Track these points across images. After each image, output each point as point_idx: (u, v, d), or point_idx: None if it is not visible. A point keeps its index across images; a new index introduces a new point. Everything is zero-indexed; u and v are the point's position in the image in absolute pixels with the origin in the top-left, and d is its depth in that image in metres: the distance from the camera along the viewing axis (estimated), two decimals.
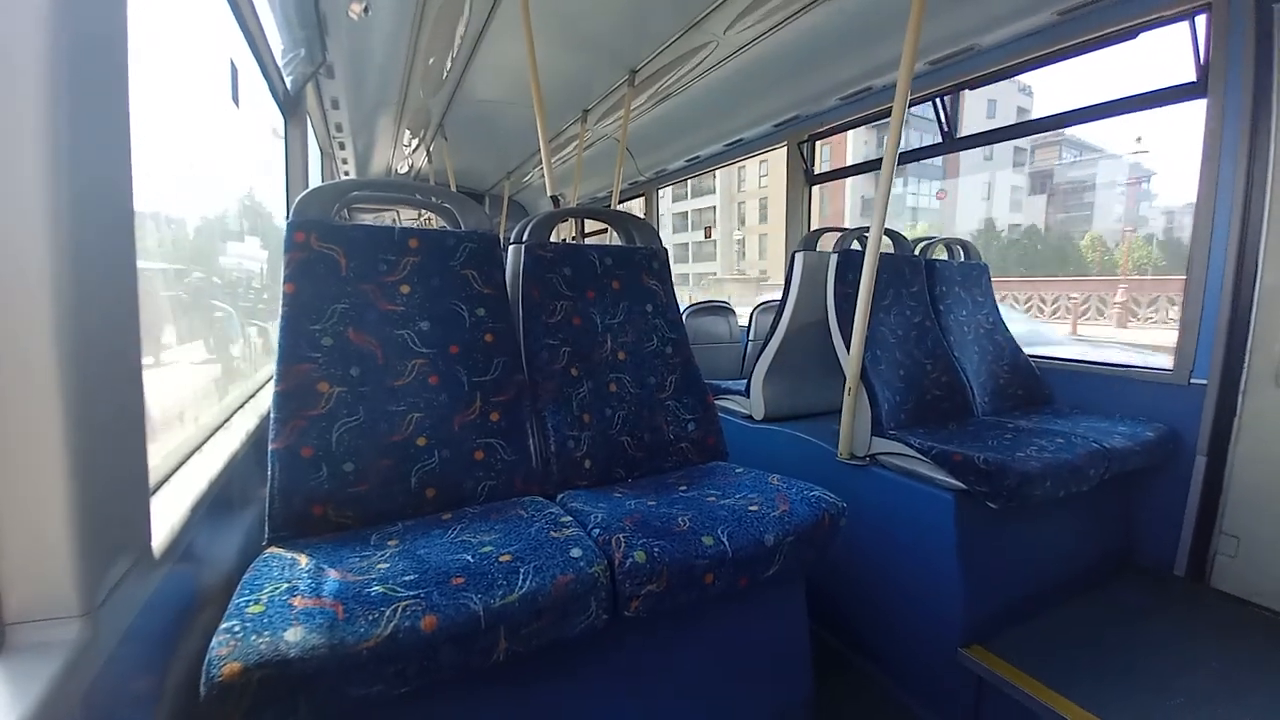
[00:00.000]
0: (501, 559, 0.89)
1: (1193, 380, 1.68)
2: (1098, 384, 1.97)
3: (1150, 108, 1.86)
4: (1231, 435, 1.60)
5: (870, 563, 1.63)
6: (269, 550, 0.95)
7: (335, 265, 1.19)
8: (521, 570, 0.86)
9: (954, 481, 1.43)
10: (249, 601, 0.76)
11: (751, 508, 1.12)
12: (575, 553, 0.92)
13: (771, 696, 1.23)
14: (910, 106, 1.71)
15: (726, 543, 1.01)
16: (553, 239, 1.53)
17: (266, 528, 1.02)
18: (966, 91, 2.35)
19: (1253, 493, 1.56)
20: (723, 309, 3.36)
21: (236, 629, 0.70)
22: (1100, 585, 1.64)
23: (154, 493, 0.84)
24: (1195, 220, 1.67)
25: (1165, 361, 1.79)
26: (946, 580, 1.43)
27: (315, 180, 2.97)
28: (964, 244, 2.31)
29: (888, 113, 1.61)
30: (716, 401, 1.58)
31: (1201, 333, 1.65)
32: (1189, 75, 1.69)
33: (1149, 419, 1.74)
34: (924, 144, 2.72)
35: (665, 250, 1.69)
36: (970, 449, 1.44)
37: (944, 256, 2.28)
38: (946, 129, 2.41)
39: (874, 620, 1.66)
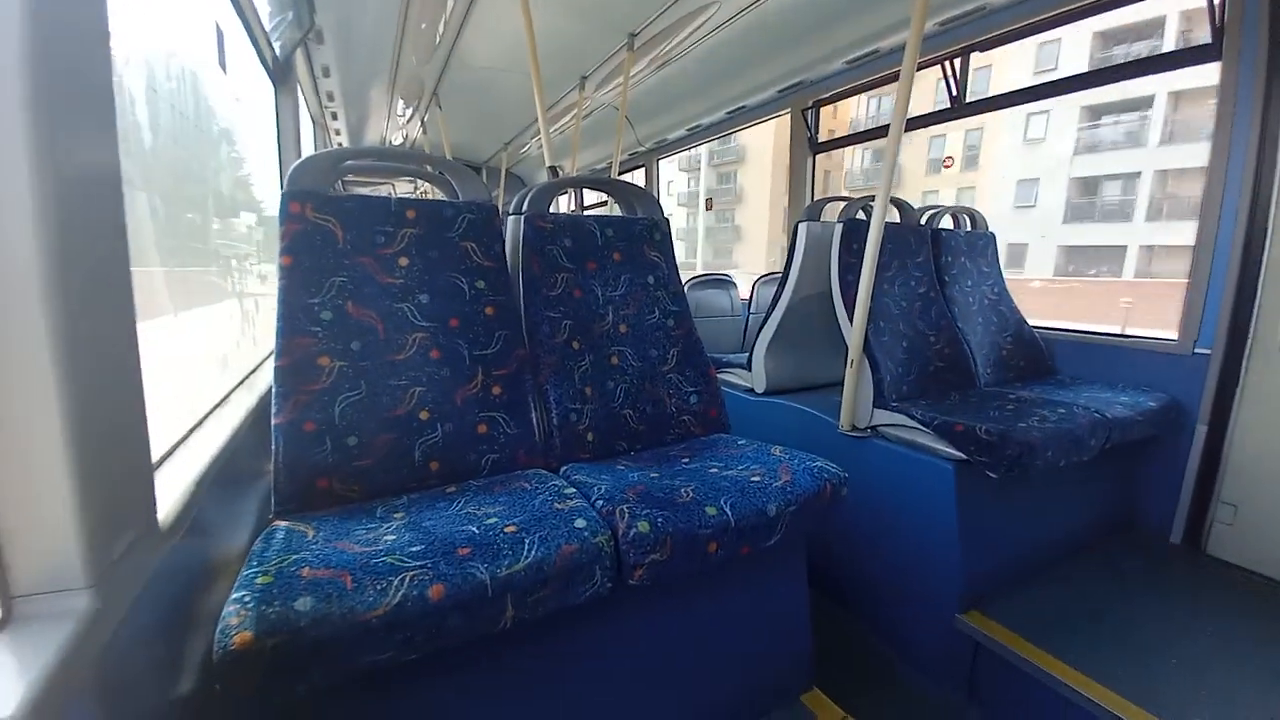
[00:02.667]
0: (506, 530, 0.90)
1: (1197, 349, 1.67)
2: (1102, 354, 1.96)
3: (1165, 70, 1.81)
4: (1233, 404, 1.60)
5: (870, 532, 1.66)
6: (276, 523, 0.96)
7: (332, 237, 1.17)
8: (527, 541, 0.87)
9: (955, 452, 1.44)
10: (258, 573, 0.77)
11: (754, 478, 1.12)
12: (579, 523, 0.93)
13: (772, 661, 1.26)
14: (918, 70, 1.66)
15: (729, 513, 1.02)
16: (552, 211, 1.51)
17: (273, 501, 1.02)
18: None
19: (1252, 461, 1.57)
20: (724, 282, 3.33)
21: (247, 599, 0.71)
22: (1097, 552, 1.67)
23: (158, 467, 0.85)
24: (1206, 186, 1.63)
25: (1170, 331, 1.78)
26: (945, 548, 1.45)
27: (308, 152, 2.91)
28: (971, 213, 2.27)
29: (895, 77, 1.56)
30: (718, 375, 1.58)
31: (1208, 302, 1.63)
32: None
33: (1152, 388, 1.74)
34: None
35: (667, 221, 1.66)
36: (972, 420, 1.44)
37: (950, 226, 2.24)
38: (955, 93, 2.34)
39: (873, 587, 1.69)
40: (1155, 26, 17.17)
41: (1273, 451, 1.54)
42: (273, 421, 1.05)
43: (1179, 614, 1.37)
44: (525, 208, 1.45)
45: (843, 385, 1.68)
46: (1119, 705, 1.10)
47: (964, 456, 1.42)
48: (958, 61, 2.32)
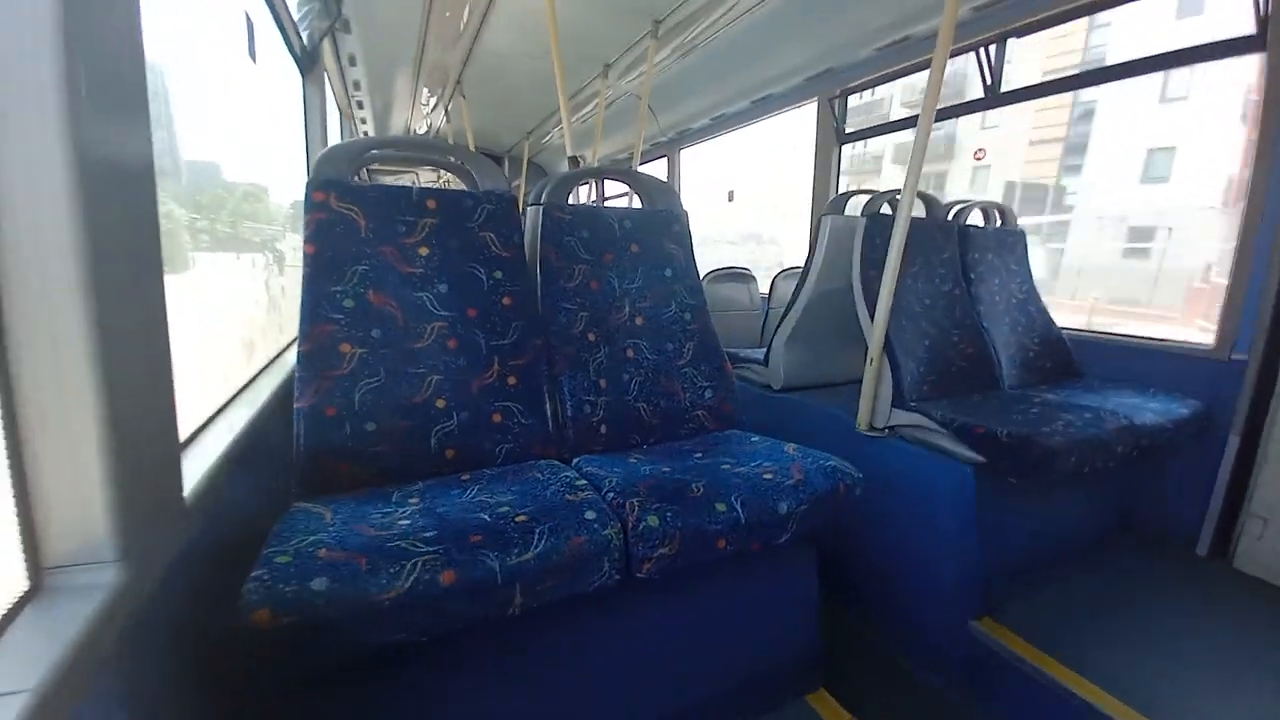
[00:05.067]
0: (518, 519, 0.91)
1: (1233, 356, 1.60)
2: (1133, 358, 1.90)
3: (1207, 60, 1.72)
4: (1269, 414, 1.53)
5: (885, 534, 1.64)
6: (296, 505, 0.99)
7: (355, 226, 1.20)
8: (537, 530, 0.88)
9: (974, 455, 1.41)
10: (277, 552, 0.80)
11: (766, 476, 1.12)
12: (590, 515, 0.94)
13: (779, 660, 1.26)
14: (951, 57, 1.61)
15: (740, 510, 1.02)
16: (572, 201, 1.51)
17: (294, 483, 1.05)
18: None
19: None
20: (743, 276, 3.30)
21: (266, 577, 0.74)
22: (1120, 561, 1.62)
23: (185, 447, 0.88)
24: (1250, 187, 1.56)
25: (1205, 336, 1.71)
26: (961, 552, 1.42)
27: (334, 140, 2.96)
28: (1001, 208, 2.20)
29: (926, 64, 1.51)
30: (735, 370, 1.57)
31: (1247, 307, 1.56)
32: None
33: (1184, 394, 1.67)
34: None
35: (686, 213, 1.65)
36: (994, 422, 1.40)
37: (980, 221, 2.18)
38: (990, 81, 2.26)
39: (886, 590, 1.67)
40: None
41: None
42: (295, 405, 1.08)
43: (1203, 629, 1.33)
44: (544, 198, 1.46)
45: (862, 383, 1.66)
46: None
47: (984, 460, 1.39)
48: (993, 49, 2.24)
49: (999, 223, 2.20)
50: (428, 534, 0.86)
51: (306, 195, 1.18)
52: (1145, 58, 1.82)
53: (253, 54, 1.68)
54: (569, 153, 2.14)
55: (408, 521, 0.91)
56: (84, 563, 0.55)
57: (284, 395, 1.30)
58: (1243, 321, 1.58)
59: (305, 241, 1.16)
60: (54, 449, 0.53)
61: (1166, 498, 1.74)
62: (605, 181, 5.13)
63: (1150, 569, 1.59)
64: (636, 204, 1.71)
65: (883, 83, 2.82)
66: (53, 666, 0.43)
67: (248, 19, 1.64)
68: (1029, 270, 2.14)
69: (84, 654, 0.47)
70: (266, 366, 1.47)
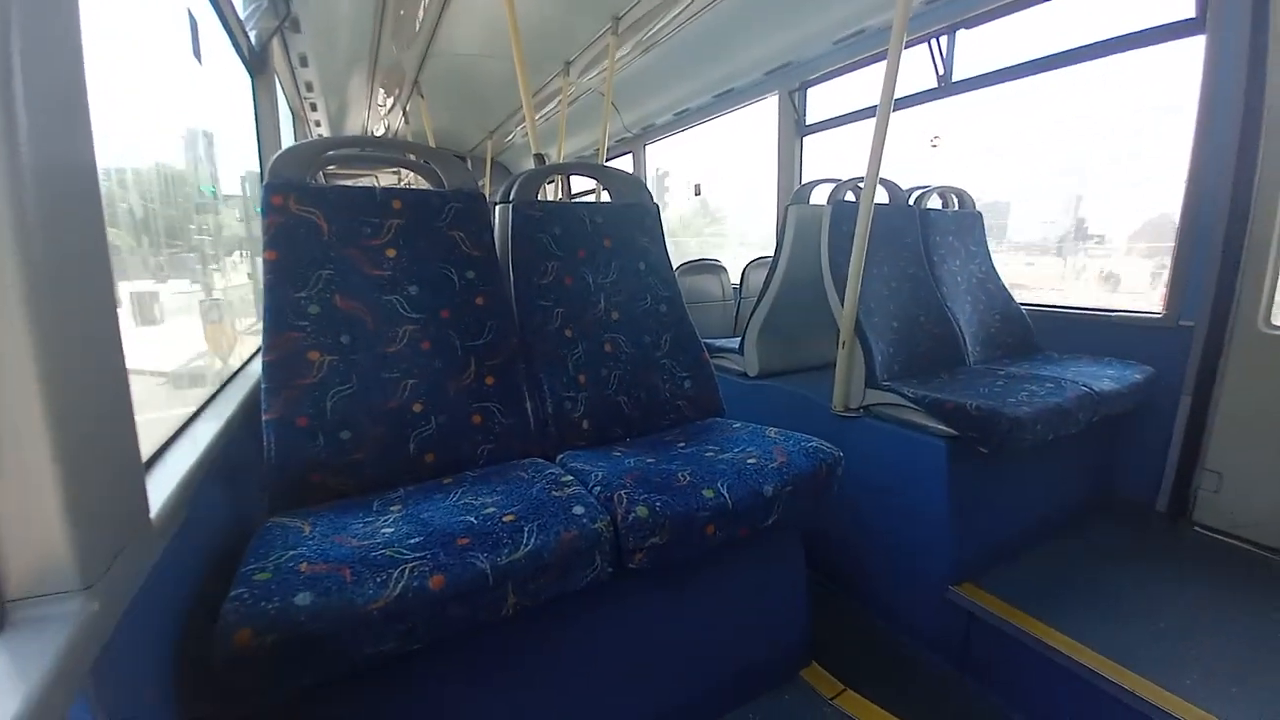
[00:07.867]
0: (505, 519, 0.90)
1: (1181, 322, 1.70)
2: (1088, 329, 1.99)
3: (1150, 45, 1.81)
4: (1217, 375, 1.63)
5: (864, 509, 1.68)
6: (272, 519, 0.95)
7: (316, 229, 1.16)
8: (526, 529, 0.87)
9: (946, 429, 1.45)
10: (256, 569, 0.77)
11: (750, 460, 1.13)
12: (578, 510, 0.93)
13: (771, 639, 1.28)
14: (905, 48, 1.65)
15: (726, 495, 1.03)
16: (540, 199, 1.49)
17: (267, 497, 1.02)
18: None
19: (1235, 430, 1.60)
20: (715, 267, 3.33)
21: (246, 596, 0.71)
22: (1086, 523, 1.70)
23: (149, 466, 0.84)
24: (1191, 161, 1.65)
25: (1155, 305, 1.81)
26: (937, 522, 1.47)
27: (288, 144, 2.85)
28: (959, 193, 2.27)
29: (883, 56, 1.55)
30: (711, 359, 1.58)
31: (1192, 275, 1.66)
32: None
33: (1137, 361, 1.76)
34: None
35: (656, 206, 1.65)
36: (962, 397, 1.45)
37: (939, 205, 2.25)
38: (942, 72, 2.33)
39: (868, 563, 1.71)
40: None
41: (1255, 420, 1.57)
42: (263, 417, 1.04)
43: (1166, 580, 1.41)
44: (513, 195, 1.44)
45: (835, 367, 1.69)
46: (1108, 668, 1.13)
47: (955, 433, 1.43)
48: (944, 40, 2.31)
49: (956, 206, 2.27)
50: (413, 540, 0.84)
51: (264, 199, 1.13)
52: (1095, 43, 1.90)
53: (197, 54, 1.61)
54: (534, 150, 2.11)
55: (391, 529, 0.89)
56: (48, 593, 0.52)
57: (251, 408, 1.25)
58: (1188, 290, 1.67)
59: (265, 248, 1.12)
60: (6, 475, 0.50)
61: (1127, 460, 1.83)
62: (572, 178, 5.09)
63: (1116, 528, 1.67)
64: (605, 200, 1.70)
65: (841, 75, 2.87)
66: (25, 702, 0.40)
67: (190, 17, 1.57)
68: (987, 250, 2.22)
69: (57, 687, 0.44)
70: (230, 379, 1.41)
